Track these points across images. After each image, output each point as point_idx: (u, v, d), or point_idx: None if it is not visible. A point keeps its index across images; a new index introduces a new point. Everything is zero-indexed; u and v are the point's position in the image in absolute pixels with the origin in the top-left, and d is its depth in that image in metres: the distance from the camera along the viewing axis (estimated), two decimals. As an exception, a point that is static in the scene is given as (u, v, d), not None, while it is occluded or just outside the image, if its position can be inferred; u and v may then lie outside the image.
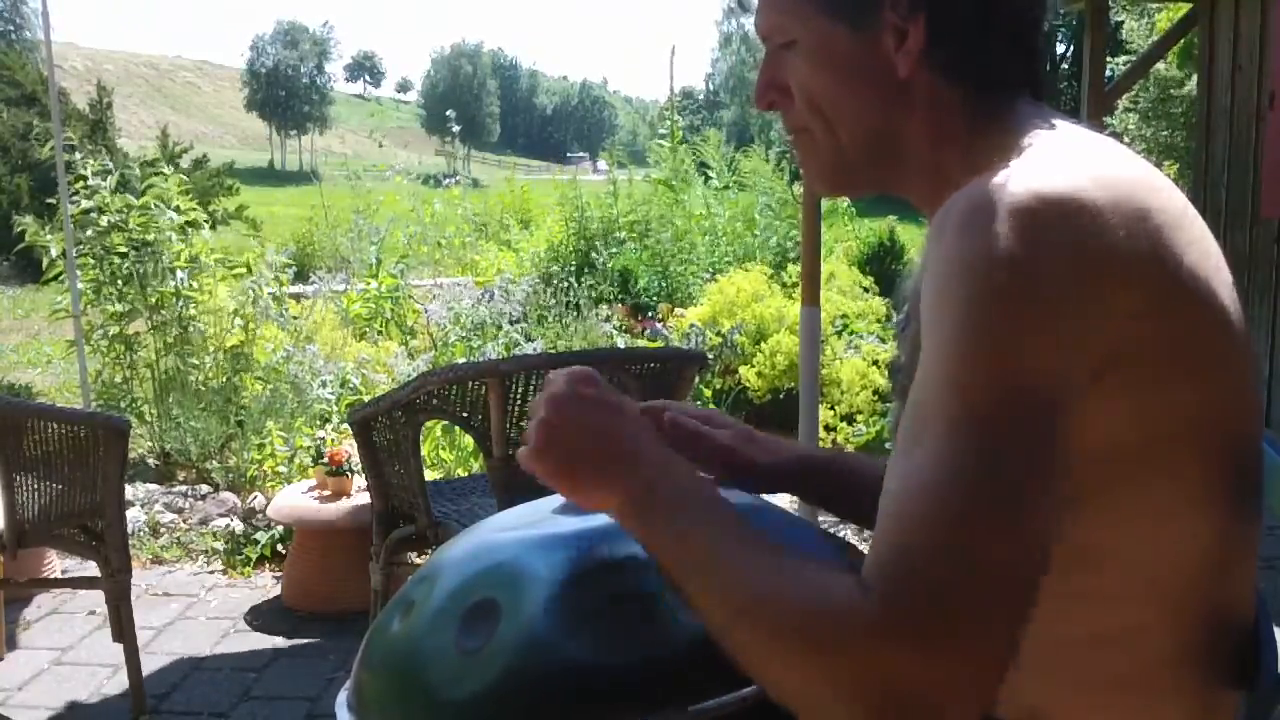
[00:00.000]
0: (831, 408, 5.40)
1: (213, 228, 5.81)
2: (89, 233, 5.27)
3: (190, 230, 5.47)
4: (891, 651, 0.73)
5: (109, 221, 5.27)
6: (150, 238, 5.30)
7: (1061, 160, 0.85)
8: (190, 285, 5.34)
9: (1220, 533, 0.87)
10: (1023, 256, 0.77)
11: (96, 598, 3.24)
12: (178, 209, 5.43)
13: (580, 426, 0.92)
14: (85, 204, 5.24)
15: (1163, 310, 0.81)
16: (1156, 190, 0.85)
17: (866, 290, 6.89)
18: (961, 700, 0.73)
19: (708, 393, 5.47)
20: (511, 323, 6.20)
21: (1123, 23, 12.89)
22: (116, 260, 5.28)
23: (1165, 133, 13.28)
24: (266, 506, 4.10)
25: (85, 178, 5.26)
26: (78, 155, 5.36)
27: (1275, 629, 0.94)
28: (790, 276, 6.75)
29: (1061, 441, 0.78)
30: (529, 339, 6.12)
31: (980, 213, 0.80)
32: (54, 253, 5.27)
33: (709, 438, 1.18)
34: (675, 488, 0.89)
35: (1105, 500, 0.83)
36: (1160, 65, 11.00)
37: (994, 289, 0.78)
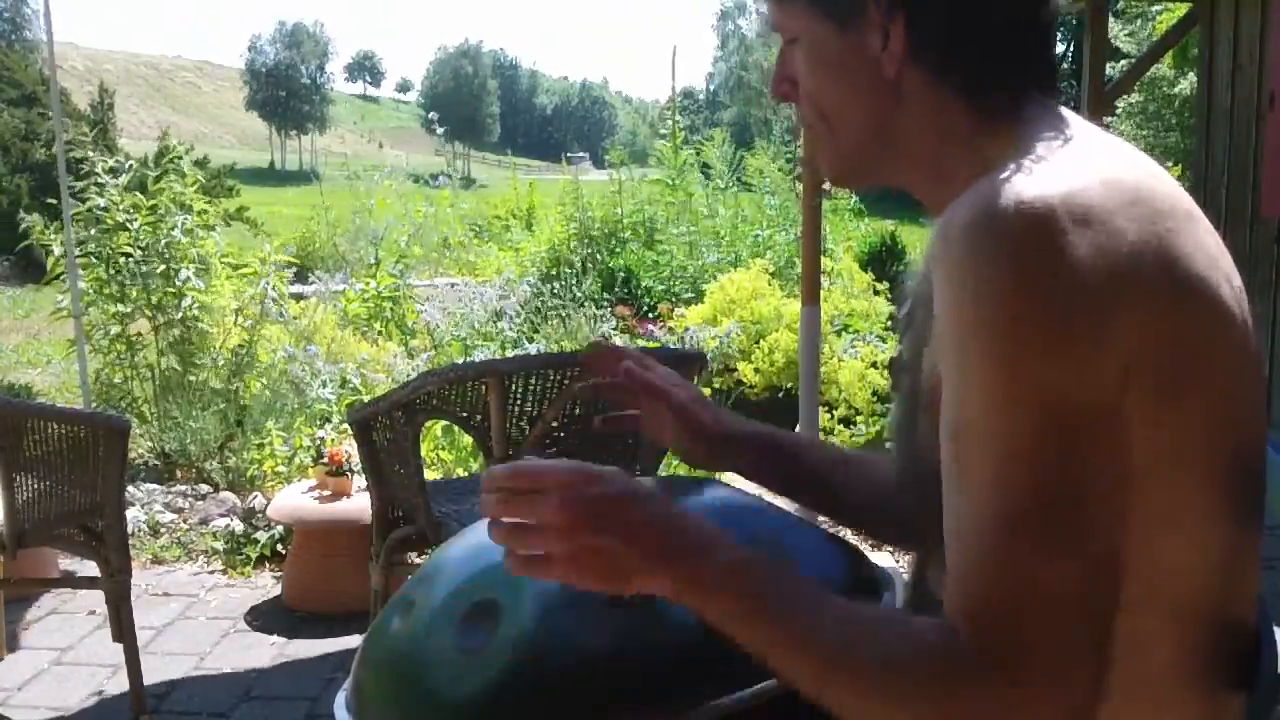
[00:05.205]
0: (830, 411, 5.38)
1: (212, 229, 5.79)
2: (93, 231, 5.26)
3: (200, 231, 5.47)
4: (989, 688, 0.76)
5: (114, 221, 5.26)
6: (157, 238, 5.29)
7: (1069, 162, 0.84)
8: (196, 285, 5.33)
9: (1226, 541, 0.86)
10: (1039, 275, 0.77)
11: (96, 598, 3.24)
12: (189, 208, 5.43)
13: (601, 529, 0.85)
14: (95, 200, 5.23)
15: (1171, 316, 0.80)
16: (1164, 192, 0.85)
17: (878, 293, 6.88)
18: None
19: (707, 392, 5.47)
20: (511, 323, 6.20)
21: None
22: (121, 260, 5.28)
23: (1150, 133, 13.26)
24: (266, 506, 4.10)
25: (95, 174, 5.26)
26: (90, 153, 5.34)
27: (1275, 629, 0.94)
28: (795, 270, 6.74)
29: (1112, 448, 0.79)
30: (529, 339, 6.12)
31: (991, 225, 0.79)
32: (57, 252, 5.27)
33: (667, 394, 1.21)
34: (722, 564, 0.85)
35: None
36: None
37: (1016, 313, 0.78)
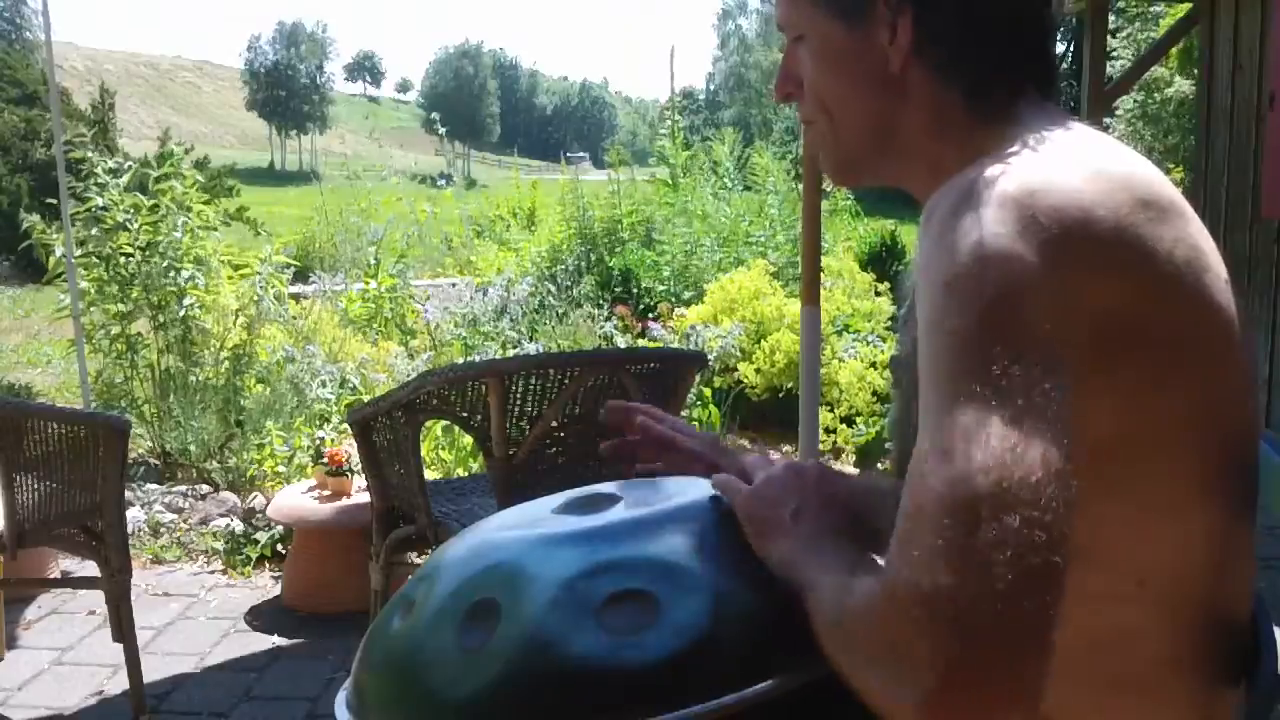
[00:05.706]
0: (830, 409, 5.40)
1: (214, 229, 5.79)
2: (94, 231, 5.26)
3: (200, 232, 5.47)
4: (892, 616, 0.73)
5: (114, 221, 5.26)
6: (158, 238, 5.29)
7: (1057, 154, 0.85)
8: (196, 285, 5.33)
9: (1215, 534, 0.86)
10: (1003, 244, 0.77)
11: (96, 598, 3.24)
12: (188, 209, 5.43)
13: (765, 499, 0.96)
14: (95, 200, 5.23)
15: (1151, 302, 0.81)
16: (1150, 186, 0.85)
17: (879, 294, 6.87)
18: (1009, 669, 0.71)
19: (707, 392, 5.46)
20: (511, 322, 6.20)
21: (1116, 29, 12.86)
22: (121, 260, 5.28)
23: (1151, 134, 13.25)
24: (266, 506, 4.10)
25: (95, 174, 5.25)
26: (90, 153, 5.34)
27: (1275, 629, 0.94)
28: (796, 270, 6.74)
29: (1070, 400, 0.75)
30: (530, 339, 6.12)
31: (971, 199, 0.81)
32: (58, 252, 5.27)
33: (677, 444, 1.20)
34: (808, 545, 0.91)
35: (1096, 497, 0.81)
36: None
37: (973, 270, 0.77)
